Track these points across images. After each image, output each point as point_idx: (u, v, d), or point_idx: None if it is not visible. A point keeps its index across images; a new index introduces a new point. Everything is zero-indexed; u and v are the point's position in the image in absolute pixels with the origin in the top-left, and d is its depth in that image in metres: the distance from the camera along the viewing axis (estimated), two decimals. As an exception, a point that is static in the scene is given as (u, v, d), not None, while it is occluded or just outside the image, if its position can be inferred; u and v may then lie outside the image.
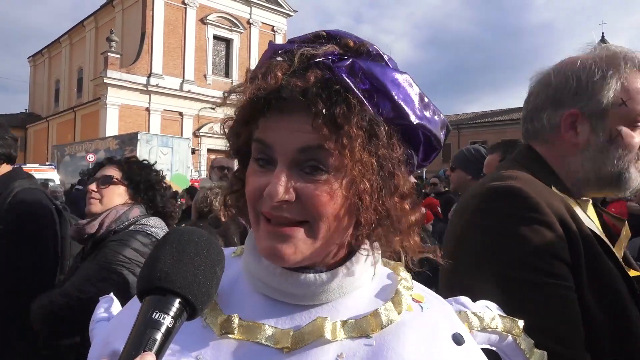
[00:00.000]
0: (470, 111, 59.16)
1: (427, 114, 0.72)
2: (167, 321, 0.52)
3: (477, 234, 1.18)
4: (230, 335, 0.69)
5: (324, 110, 0.63)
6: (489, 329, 0.79)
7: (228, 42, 36.61)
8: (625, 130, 1.20)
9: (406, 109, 0.69)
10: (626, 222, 1.31)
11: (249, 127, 0.71)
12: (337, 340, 0.68)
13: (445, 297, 0.83)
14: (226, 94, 0.74)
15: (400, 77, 0.70)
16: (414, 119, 0.70)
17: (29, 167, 23.67)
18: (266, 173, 0.68)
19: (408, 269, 0.79)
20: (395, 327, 0.70)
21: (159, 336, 0.51)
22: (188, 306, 0.55)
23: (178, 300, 0.54)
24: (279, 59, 0.70)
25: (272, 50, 0.72)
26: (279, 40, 38.38)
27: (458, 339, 0.71)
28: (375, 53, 0.71)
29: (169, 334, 0.52)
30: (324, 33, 0.72)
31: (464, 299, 0.84)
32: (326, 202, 0.66)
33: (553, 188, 1.21)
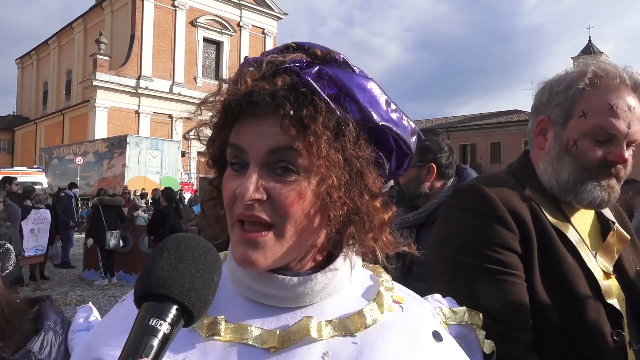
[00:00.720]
0: (461, 114, 59.54)
1: (394, 116, 0.75)
2: (164, 328, 0.52)
3: (440, 225, 1.37)
4: (216, 337, 0.70)
5: (291, 112, 0.67)
6: (463, 323, 0.83)
7: (218, 45, 36.58)
8: (582, 142, 1.23)
9: (371, 111, 0.72)
10: (616, 225, 1.33)
11: (223, 133, 0.74)
12: (322, 339, 0.70)
13: (429, 284, 0.86)
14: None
15: (366, 82, 0.73)
16: (379, 120, 0.73)
17: (16, 170, 23.43)
18: (240, 176, 0.70)
19: (383, 266, 0.82)
20: (378, 327, 0.72)
21: (155, 343, 0.51)
22: (185, 313, 0.55)
23: (175, 307, 0.54)
24: (250, 68, 0.73)
25: (246, 62, 0.76)
26: (269, 42, 38.44)
27: (437, 336, 0.74)
28: (342, 61, 0.74)
29: (165, 340, 0.52)
30: (294, 44, 0.76)
31: (438, 296, 0.88)
32: (294, 202, 0.68)
33: (527, 190, 1.29)
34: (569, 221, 1.27)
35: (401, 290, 0.82)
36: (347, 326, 0.71)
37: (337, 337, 0.70)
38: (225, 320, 0.71)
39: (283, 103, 0.67)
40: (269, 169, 0.69)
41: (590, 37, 50.06)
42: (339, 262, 0.76)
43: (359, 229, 0.73)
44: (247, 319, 0.72)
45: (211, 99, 0.76)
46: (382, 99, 0.74)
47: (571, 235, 1.24)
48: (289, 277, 0.72)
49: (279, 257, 0.70)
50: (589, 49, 48.79)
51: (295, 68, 0.70)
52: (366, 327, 0.72)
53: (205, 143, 0.80)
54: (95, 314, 0.94)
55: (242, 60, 0.81)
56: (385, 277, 0.81)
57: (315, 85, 0.69)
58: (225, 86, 0.74)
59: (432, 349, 0.72)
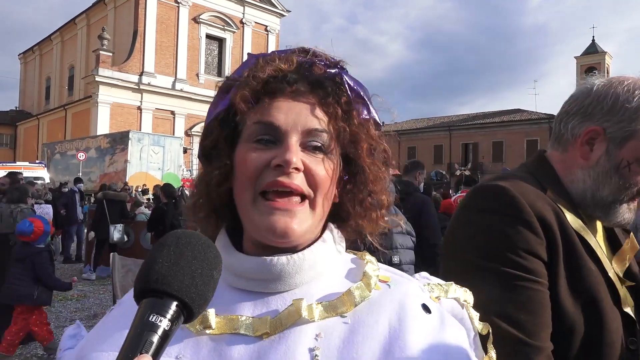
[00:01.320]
0: (463, 113, 59.42)
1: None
2: (164, 324, 0.53)
3: (458, 226, 1.27)
4: (208, 331, 0.71)
5: (331, 96, 0.76)
6: (452, 297, 0.83)
7: (221, 42, 36.58)
8: (635, 166, 1.20)
9: (375, 114, 0.83)
10: (631, 234, 1.32)
11: (248, 111, 0.76)
12: (314, 321, 0.71)
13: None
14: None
15: (365, 88, 0.83)
16: (378, 119, 0.84)
17: (18, 165, 23.47)
18: (270, 150, 0.73)
19: (369, 247, 0.86)
20: (367, 305, 0.73)
21: (155, 339, 0.51)
22: (185, 309, 0.55)
23: (175, 303, 0.54)
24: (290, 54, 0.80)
25: (259, 55, 0.80)
26: (272, 39, 38.43)
27: (427, 308, 0.75)
28: (346, 70, 0.82)
29: (166, 336, 0.52)
30: (308, 49, 0.82)
31: (425, 274, 0.89)
32: (325, 177, 0.74)
33: (548, 192, 1.23)
34: (588, 227, 1.23)
35: (387, 270, 0.83)
36: (337, 306, 0.72)
37: (328, 318, 0.71)
38: (215, 313, 0.71)
39: (326, 85, 0.76)
40: (302, 145, 0.74)
41: (594, 36, 50.08)
42: (326, 235, 0.80)
43: (375, 209, 0.82)
44: (237, 309, 0.73)
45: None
46: (372, 103, 0.84)
47: (592, 241, 1.20)
48: (277, 257, 0.74)
49: (309, 229, 0.75)
50: (593, 49, 48.70)
51: (324, 65, 0.78)
52: (355, 306, 0.73)
53: (209, 127, 0.80)
54: (84, 332, 0.93)
55: (245, 57, 0.84)
56: (370, 258, 0.83)
57: (350, 82, 0.78)
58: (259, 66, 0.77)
59: (422, 320, 0.73)
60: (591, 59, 48.29)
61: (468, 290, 0.86)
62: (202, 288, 0.57)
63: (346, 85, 0.78)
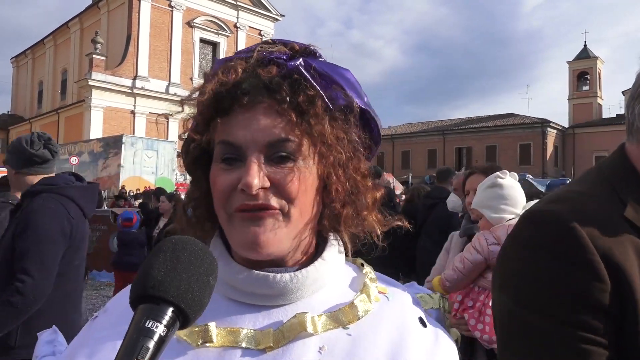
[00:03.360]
0: (457, 117, 59.67)
1: (368, 102, 0.80)
2: (160, 330, 0.52)
3: (504, 262, 1.01)
4: (208, 344, 0.69)
5: (288, 98, 0.69)
6: (438, 308, 0.84)
7: (215, 46, 36.56)
8: None
9: (355, 96, 0.76)
10: None
11: (209, 129, 0.73)
12: (317, 334, 0.69)
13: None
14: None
15: (345, 72, 0.77)
16: (361, 104, 0.77)
17: (10, 169, 23.27)
18: (235, 170, 0.70)
19: (371, 249, 0.83)
20: (369, 318, 0.73)
21: (151, 345, 0.51)
22: (181, 315, 0.55)
23: (171, 309, 0.54)
24: (238, 60, 0.74)
25: (223, 60, 0.76)
26: (266, 44, 38.42)
27: (423, 322, 0.76)
28: (318, 54, 0.77)
29: (161, 342, 0.52)
30: (271, 40, 0.78)
31: (415, 283, 0.90)
32: (297, 185, 0.69)
33: (629, 208, 0.92)
34: None
35: (383, 281, 0.83)
36: (340, 319, 0.71)
37: (331, 331, 0.70)
38: (216, 326, 0.70)
39: (279, 88, 0.69)
40: (267, 158, 0.69)
41: (585, 41, 50.39)
42: (328, 251, 0.77)
43: (354, 208, 0.76)
44: (238, 322, 0.71)
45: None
46: (359, 87, 0.78)
47: None
48: (280, 275, 0.72)
49: (287, 242, 0.71)
50: (585, 54, 49.06)
51: (282, 59, 0.72)
52: (358, 319, 0.72)
53: (182, 148, 0.79)
54: (61, 339, 0.91)
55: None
56: (368, 268, 0.82)
57: (307, 74, 0.71)
58: (212, 81, 0.72)
59: (420, 334, 0.73)
60: (583, 64, 48.62)
61: (448, 300, 0.86)
62: (199, 294, 0.56)
63: (308, 77, 0.71)
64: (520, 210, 2.60)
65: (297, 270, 0.74)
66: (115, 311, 0.78)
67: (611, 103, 74.64)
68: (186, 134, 0.78)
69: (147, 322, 0.52)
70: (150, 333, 0.52)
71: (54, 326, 0.96)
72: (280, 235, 0.70)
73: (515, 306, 0.92)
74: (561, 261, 0.88)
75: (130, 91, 32.14)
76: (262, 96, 0.69)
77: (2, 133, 47.48)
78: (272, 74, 0.70)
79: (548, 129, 43.97)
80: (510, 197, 2.62)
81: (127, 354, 0.50)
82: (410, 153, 50.36)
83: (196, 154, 0.76)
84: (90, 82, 30.79)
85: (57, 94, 41.60)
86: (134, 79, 32.45)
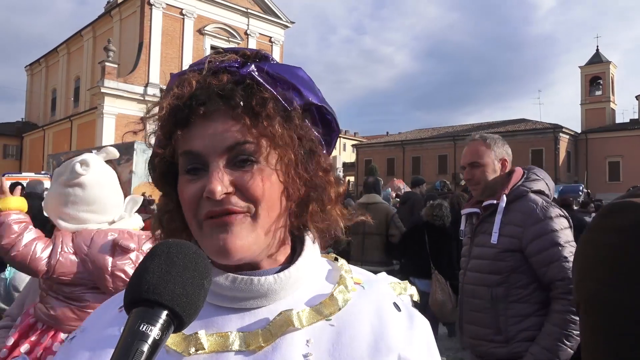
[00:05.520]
0: (468, 123, 59.36)
1: (323, 98, 0.82)
2: (154, 333, 0.52)
3: (582, 249, 1.03)
4: (199, 352, 0.70)
5: (241, 103, 0.71)
6: (408, 294, 0.88)
7: (225, 53, 36.75)
8: None
9: (310, 94, 0.79)
10: None
11: (170, 143, 0.74)
12: (303, 328, 0.72)
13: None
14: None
15: (297, 70, 0.79)
16: (317, 101, 0.79)
17: (24, 175, 23.55)
18: (199, 179, 0.71)
19: (336, 246, 0.86)
20: (349, 307, 0.76)
21: (145, 348, 0.51)
22: (176, 318, 0.55)
23: (165, 312, 0.54)
24: (191, 73, 0.76)
25: (177, 75, 0.78)
26: (277, 50, 38.63)
27: (397, 306, 0.80)
28: (270, 58, 0.80)
29: (156, 346, 0.52)
30: (222, 49, 0.81)
31: (384, 274, 0.92)
32: (261, 186, 0.71)
33: None
34: None
35: (357, 272, 0.86)
36: (322, 311, 0.75)
37: (315, 323, 0.73)
38: (205, 333, 0.71)
39: (232, 95, 0.71)
40: (229, 163, 0.71)
41: (597, 46, 49.97)
42: (307, 250, 0.80)
43: (319, 203, 0.79)
44: (225, 326, 0.73)
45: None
46: (312, 84, 0.80)
47: None
48: (264, 277, 0.74)
49: (257, 243, 0.72)
50: (597, 58, 48.70)
51: (234, 66, 0.75)
52: (339, 309, 0.75)
53: (147, 164, 0.80)
54: None
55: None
56: (342, 261, 0.86)
57: (259, 78, 0.74)
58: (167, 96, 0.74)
59: (396, 317, 0.77)
60: (595, 69, 48.23)
61: (414, 287, 0.91)
62: (193, 297, 0.57)
63: (260, 81, 0.74)
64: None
65: (279, 271, 0.76)
66: (93, 329, 0.78)
67: (624, 108, 73.97)
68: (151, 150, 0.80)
69: (142, 325, 0.52)
70: (144, 336, 0.51)
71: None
72: (250, 239, 0.71)
73: (606, 288, 0.90)
74: None
75: (142, 98, 32.40)
76: (217, 104, 0.71)
77: (17, 140, 48.11)
78: (223, 82, 0.72)
79: (560, 134, 43.52)
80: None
81: (121, 357, 0.50)
82: (420, 159, 50.17)
83: (163, 169, 0.78)
84: (103, 90, 31.10)
85: (70, 101, 42.06)
86: (146, 86, 32.73)
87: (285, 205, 0.76)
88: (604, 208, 1.04)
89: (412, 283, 0.96)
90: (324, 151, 0.82)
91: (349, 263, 0.87)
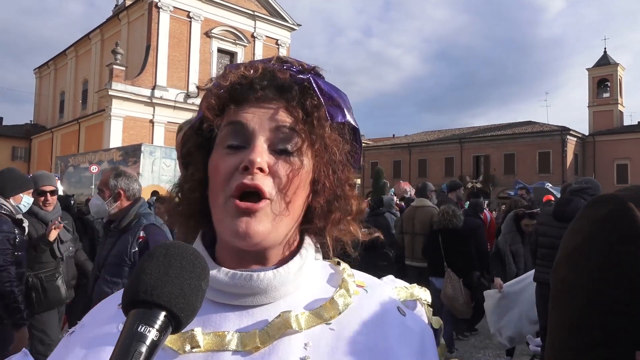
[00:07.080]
0: (475, 125, 59.22)
1: (357, 123, 0.87)
2: (153, 334, 0.52)
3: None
4: (195, 350, 0.70)
5: (297, 98, 0.76)
6: (415, 298, 0.88)
7: (232, 55, 36.89)
8: None
9: (350, 116, 0.84)
10: None
11: (220, 115, 0.78)
12: (302, 331, 0.72)
13: None
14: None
15: (343, 94, 0.84)
16: (355, 124, 0.85)
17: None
18: (239, 154, 0.74)
19: (347, 256, 0.87)
20: (350, 311, 0.76)
21: (144, 349, 0.51)
22: (173, 320, 0.56)
23: (163, 313, 0.54)
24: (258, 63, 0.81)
25: (234, 66, 0.82)
26: (283, 53, 38.70)
27: (401, 311, 0.80)
28: (323, 77, 0.84)
29: (154, 347, 0.52)
30: (282, 57, 0.85)
31: (392, 277, 0.93)
32: (291, 179, 0.74)
33: None
34: None
35: (360, 275, 0.86)
36: (322, 315, 0.74)
37: (315, 327, 0.73)
38: (202, 331, 0.71)
39: (291, 89, 0.76)
40: (271, 147, 0.74)
41: (605, 48, 49.70)
42: (306, 248, 0.81)
43: (343, 212, 0.81)
44: (223, 325, 0.73)
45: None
46: (351, 109, 0.85)
47: None
48: (263, 273, 0.74)
49: (273, 230, 0.73)
50: (605, 60, 48.42)
51: (294, 71, 0.80)
52: (340, 313, 0.75)
53: (184, 136, 0.83)
54: None
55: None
56: (344, 265, 0.86)
57: (315, 85, 0.79)
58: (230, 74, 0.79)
59: (400, 322, 0.77)
60: (603, 71, 47.95)
61: (427, 290, 0.92)
62: (191, 298, 0.57)
63: (315, 88, 0.79)
64: None
65: (280, 267, 0.76)
66: (91, 325, 0.78)
67: (633, 110, 73.48)
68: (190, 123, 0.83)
69: (140, 326, 0.52)
70: (142, 337, 0.52)
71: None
72: (270, 226, 0.73)
73: (603, 293, 0.98)
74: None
75: (149, 101, 32.55)
76: (276, 95, 0.76)
77: (25, 142, 48.48)
78: (286, 76, 0.77)
79: (568, 136, 43.33)
80: None
81: (119, 358, 0.50)
82: (427, 161, 50.09)
83: (199, 141, 0.81)
84: (111, 92, 31.26)
85: (78, 103, 42.35)
86: (153, 88, 32.87)
87: (305, 205, 0.78)
88: (591, 200, 1.15)
89: (431, 283, 0.98)
90: (355, 166, 0.86)
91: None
